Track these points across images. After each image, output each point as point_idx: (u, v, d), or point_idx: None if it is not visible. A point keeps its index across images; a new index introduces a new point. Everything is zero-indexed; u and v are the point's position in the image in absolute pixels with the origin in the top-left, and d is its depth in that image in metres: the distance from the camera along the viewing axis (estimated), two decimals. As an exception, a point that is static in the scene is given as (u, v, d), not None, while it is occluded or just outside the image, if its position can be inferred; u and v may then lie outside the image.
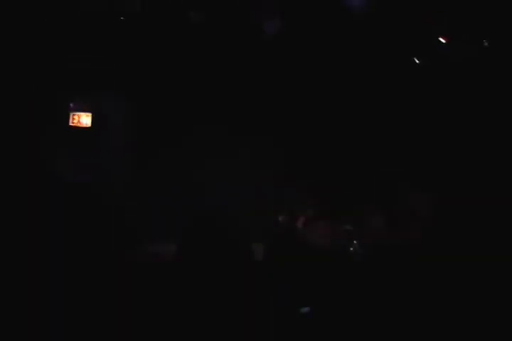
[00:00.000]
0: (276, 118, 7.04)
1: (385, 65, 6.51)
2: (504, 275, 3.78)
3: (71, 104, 6.79)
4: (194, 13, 5.81)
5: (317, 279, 3.81)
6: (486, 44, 5.57)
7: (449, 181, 5.56)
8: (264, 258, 4.24)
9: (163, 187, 6.77)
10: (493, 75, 5.83)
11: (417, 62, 6.18)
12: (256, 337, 2.87)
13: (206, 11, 5.85)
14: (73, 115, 6.86)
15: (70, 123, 6.80)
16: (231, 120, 7.00)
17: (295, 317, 3.65)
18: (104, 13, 5.93)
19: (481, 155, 5.91)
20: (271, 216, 4.91)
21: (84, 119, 6.89)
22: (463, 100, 6.17)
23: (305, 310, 3.63)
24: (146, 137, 6.97)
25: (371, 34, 6.06)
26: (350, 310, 3.50)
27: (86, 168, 6.39)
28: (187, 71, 6.76)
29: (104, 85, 6.67)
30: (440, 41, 5.78)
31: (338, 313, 3.52)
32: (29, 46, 5.95)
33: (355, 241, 4.06)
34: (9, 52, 5.85)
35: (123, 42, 6.33)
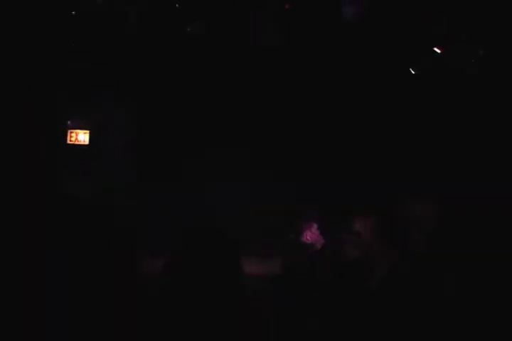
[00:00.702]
0: (276, 120, 7.05)
1: (382, 73, 6.51)
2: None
3: (68, 122, 6.79)
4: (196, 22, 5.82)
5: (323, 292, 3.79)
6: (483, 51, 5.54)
7: (448, 186, 5.55)
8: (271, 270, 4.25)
9: (163, 197, 6.78)
10: (494, 79, 5.82)
11: (413, 72, 6.16)
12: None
13: (208, 19, 5.86)
14: (71, 132, 6.86)
15: (68, 141, 6.79)
16: (232, 125, 7.01)
17: (295, 321, 3.65)
18: (105, 13, 5.92)
19: (482, 160, 5.90)
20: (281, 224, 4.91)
21: (82, 136, 6.88)
22: (463, 105, 6.16)
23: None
24: (147, 145, 6.99)
25: (367, 41, 6.06)
26: (353, 316, 3.48)
27: (85, 178, 6.41)
28: (188, 76, 6.77)
29: (104, 86, 6.68)
30: (435, 51, 5.77)
31: (341, 318, 3.50)
32: (29, 46, 5.94)
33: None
34: (9, 52, 5.84)
35: (124, 43, 6.33)
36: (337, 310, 3.50)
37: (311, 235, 4.38)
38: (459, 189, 5.34)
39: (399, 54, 6.14)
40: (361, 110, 6.89)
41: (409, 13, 5.65)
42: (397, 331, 3.30)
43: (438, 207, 4.47)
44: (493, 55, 5.69)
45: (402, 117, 6.71)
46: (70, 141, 6.89)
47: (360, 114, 6.91)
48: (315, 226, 4.41)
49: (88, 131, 6.92)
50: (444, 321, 3.42)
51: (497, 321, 3.47)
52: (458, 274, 3.68)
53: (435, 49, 5.73)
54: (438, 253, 3.85)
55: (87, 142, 6.93)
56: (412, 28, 5.74)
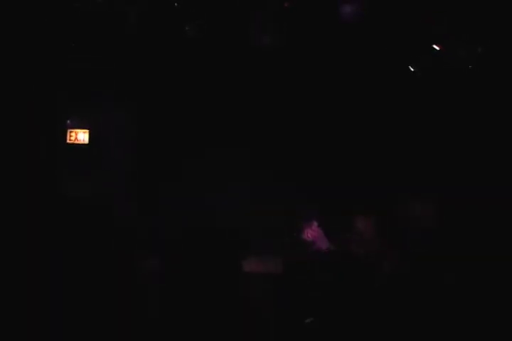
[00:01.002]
0: (275, 120, 7.04)
1: (381, 73, 6.50)
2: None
3: (68, 121, 6.80)
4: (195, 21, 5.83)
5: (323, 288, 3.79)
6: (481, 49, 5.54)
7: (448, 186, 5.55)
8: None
9: (163, 197, 6.76)
10: (494, 78, 5.82)
11: (412, 69, 6.15)
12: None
13: (208, 19, 5.87)
14: (70, 132, 6.87)
15: (67, 141, 6.81)
16: (232, 125, 7.00)
17: (295, 322, 3.64)
18: (105, 13, 5.92)
19: (482, 160, 5.90)
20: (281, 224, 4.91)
21: (81, 136, 6.89)
22: (463, 105, 6.16)
23: (309, 320, 3.60)
24: (147, 145, 6.98)
25: (367, 41, 6.06)
26: (354, 318, 3.48)
27: (85, 178, 6.41)
28: (187, 76, 6.77)
29: (104, 86, 6.68)
30: (434, 48, 5.77)
31: (342, 321, 3.50)
32: (29, 46, 5.94)
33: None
34: (9, 52, 5.84)
35: (124, 43, 6.33)
36: (337, 310, 3.50)
37: (312, 232, 4.39)
38: (459, 189, 5.34)
39: (398, 54, 6.14)
40: (361, 110, 6.87)
41: (409, 12, 5.65)
42: (398, 330, 3.30)
43: (438, 207, 4.47)
44: (493, 53, 5.69)
45: (402, 117, 6.69)
46: (70, 140, 6.90)
47: (359, 114, 6.89)
48: (315, 223, 4.42)
49: (87, 131, 6.93)
50: (444, 320, 3.42)
51: (497, 320, 3.47)
52: (458, 274, 3.68)
53: (434, 46, 5.72)
54: (438, 253, 3.85)
55: (86, 141, 6.93)
56: (412, 27, 5.73)
